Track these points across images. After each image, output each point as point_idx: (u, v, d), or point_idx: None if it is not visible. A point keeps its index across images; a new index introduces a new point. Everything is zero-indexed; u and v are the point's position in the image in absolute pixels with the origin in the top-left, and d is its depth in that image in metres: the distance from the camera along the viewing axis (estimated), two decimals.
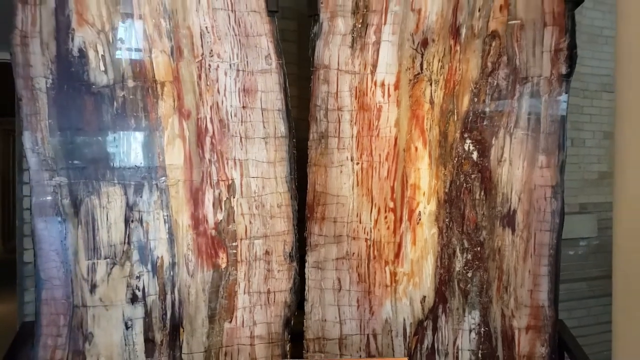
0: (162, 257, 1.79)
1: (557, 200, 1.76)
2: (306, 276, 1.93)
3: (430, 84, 1.87)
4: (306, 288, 1.93)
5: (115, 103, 1.74)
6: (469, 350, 1.85)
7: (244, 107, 1.89)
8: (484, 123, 1.81)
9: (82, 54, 1.71)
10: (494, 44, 1.80)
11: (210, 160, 1.85)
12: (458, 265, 1.85)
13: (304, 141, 1.96)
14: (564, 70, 1.74)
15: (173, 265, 1.81)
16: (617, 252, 1.73)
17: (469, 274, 1.84)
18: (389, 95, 1.90)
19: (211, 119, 1.85)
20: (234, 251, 1.87)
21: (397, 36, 1.89)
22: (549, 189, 1.76)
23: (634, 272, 1.64)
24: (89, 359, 1.70)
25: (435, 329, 1.87)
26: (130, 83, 1.76)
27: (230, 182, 1.88)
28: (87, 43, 1.71)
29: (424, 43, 1.87)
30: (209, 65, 1.85)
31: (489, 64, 1.81)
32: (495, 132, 1.80)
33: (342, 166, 1.92)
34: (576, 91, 2.75)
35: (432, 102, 1.87)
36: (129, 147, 1.77)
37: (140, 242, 1.77)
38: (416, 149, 1.88)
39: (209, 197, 1.85)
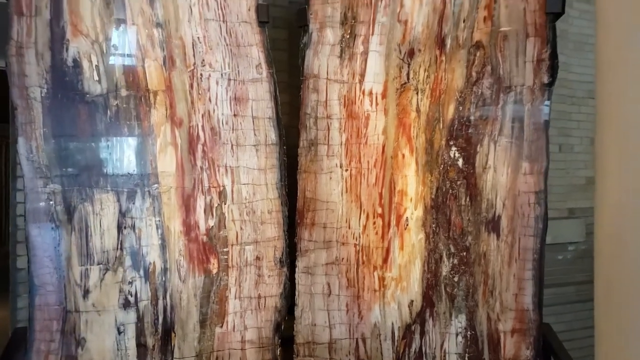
0: (154, 262, 1.85)
1: (540, 206, 1.83)
2: (296, 281, 2.00)
3: (417, 93, 1.94)
4: (296, 293, 2.00)
5: (108, 112, 1.81)
6: (455, 353, 1.91)
7: (235, 115, 1.96)
8: (469, 131, 1.89)
9: (77, 64, 1.77)
10: (478, 54, 1.88)
11: (201, 168, 1.92)
12: (445, 269, 1.92)
13: (295, 148, 2.03)
14: (546, 79, 1.81)
15: (165, 270, 1.87)
16: (598, 258, 1.81)
17: (456, 279, 1.91)
18: (376, 104, 1.97)
19: (203, 127, 1.92)
20: (225, 257, 1.94)
21: (384, 46, 1.97)
22: (533, 195, 1.83)
23: (615, 278, 1.71)
24: None
25: (422, 333, 1.94)
26: (124, 92, 1.82)
27: (221, 188, 1.94)
28: (81, 53, 1.78)
29: (411, 53, 1.95)
30: (201, 74, 1.92)
31: (474, 74, 1.88)
32: (480, 139, 1.88)
33: (331, 173, 1.99)
34: (563, 98, 2.83)
35: (418, 111, 1.94)
36: (122, 155, 1.83)
37: (132, 248, 1.83)
38: (403, 156, 1.95)
39: (200, 204, 1.91)
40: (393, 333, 1.96)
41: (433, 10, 1.93)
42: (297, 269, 2.00)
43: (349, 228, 1.99)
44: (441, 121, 1.92)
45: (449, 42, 1.92)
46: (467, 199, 1.90)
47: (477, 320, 1.90)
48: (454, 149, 1.90)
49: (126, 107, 1.83)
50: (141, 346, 1.83)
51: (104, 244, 1.79)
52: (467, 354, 1.91)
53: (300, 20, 2.01)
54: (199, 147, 1.92)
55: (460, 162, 1.90)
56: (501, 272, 1.87)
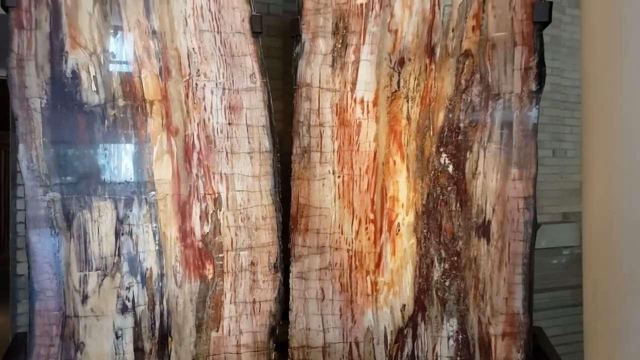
0: (151, 268, 1.92)
1: (529, 211, 1.89)
2: (290, 286, 2.07)
3: (407, 101, 2.01)
4: (290, 298, 2.07)
5: (106, 121, 1.88)
6: (447, 357, 1.97)
7: (229, 123, 2.04)
8: (459, 138, 1.96)
9: (75, 75, 1.85)
10: (467, 62, 1.95)
11: (197, 175, 1.99)
12: (436, 274, 1.98)
13: (289, 155, 2.10)
14: (533, 87, 1.88)
15: (162, 276, 1.94)
16: (587, 263, 1.86)
17: (447, 283, 1.97)
18: (368, 112, 2.05)
19: (198, 135, 2.00)
20: (221, 262, 2.01)
21: (375, 56, 2.04)
22: (522, 200, 1.90)
23: (603, 282, 1.77)
24: None
25: (415, 337, 2.00)
26: (121, 102, 1.90)
27: (216, 195, 2.01)
28: (80, 65, 1.86)
29: (401, 62, 2.02)
30: (196, 84, 2.00)
31: (463, 82, 1.95)
32: (469, 146, 1.95)
33: (324, 179, 2.06)
34: (557, 103, 2.90)
35: (409, 118, 2.01)
36: (119, 163, 1.91)
37: (130, 254, 1.90)
38: (394, 162, 2.02)
39: (196, 211, 1.99)
40: (386, 337, 2.02)
41: (422, 20, 2.00)
42: (291, 274, 2.07)
43: (342, 234, 2.06)
44: (431, 128, 1.98)
45: (438, 51, 1.99)
46: (458, 205, 1.96)
47: (468, 323, 1.96)
48: (444, 155, 1.97)
49: (123, 117, 1.90)
50: (139, 350, 1.90)
51: (102, 251, 1.87)
52: (458, 357, 1.97)
53: (293, 30, 2.08)
54: (195, 155, 1.99)
55: (450, 169, 1.97)
56: (491, 277, 1.93)
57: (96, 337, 1.85)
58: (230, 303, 2.02)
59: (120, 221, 1.89)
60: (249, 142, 2.05)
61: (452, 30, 1.97)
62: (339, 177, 2.06)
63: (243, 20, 2.05)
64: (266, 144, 2.06)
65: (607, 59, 1.73)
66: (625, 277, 1.66)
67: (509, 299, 1.91)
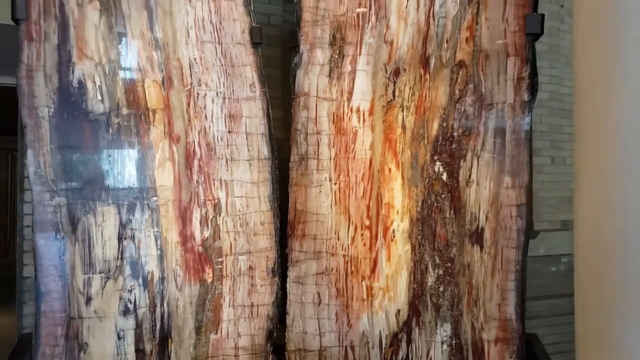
0: (152, 272, 2.02)
1: (522, 219, 1.96)
2: (288, 290, 2.15)
3: (402, 110, 2.10)
4: (288, 302, 2.15)
5: (110, 129, 1.99)
6: None
7: (229, 131, 2.13)
8: (453, 146, 2.04)
9: (81, 85, 1.96)
10: (461, 72, 2.04)
11: (197, 181, 2.09)
12: (430, 280, 2.05)
13: (287, 162, 2.20)
14: (526, 97, 1.95)
15: (162, 279, 2.03)
16: (578, 272, 1.92)
17: (441, 289, 2.05)
18: (364, 121, 2.14)
19: (199, 143, 2.10)
20: (220, 266, 2.10)
21: (371, 66, 2.14)
22: (515, 208, 1.97)
23: (593, 292, 1.82)
24: None
25: (409, 341, 2.07)
26: (125, 111, 2.01)
27: (216, 201, 2.11)
28: (86, 75, 1.96)
29: (396, 72, 2.11)
30: (198, 93, 2.10)
31: (457, 92, 2.03)
32: (463, 154, 2.02)
33: (321, 186, 2.15)
34: (555, 111, 2.96)
35: (404, 127, 2.10)
36: (122, 170, 2.01)
37: (132, 258, 1.99)
38: (390, 170, 2.11)
39: (196, 216, 2.08)
40: (381, 341, 2.10)
41: (417, 32, 2.09)
42: (288, 279, 2.15)
43: (338, 239, 2.14)
44: (426, 137, 2.07)
45: (432, 61, 2.07)
46: (452, 212, 2.04)
47: (461, 329, 2.03)
48: (438, 163, 2.05)
49: (127, 125, 2.01)
50: (140, 351, 1.99)
51: (106, 254, 1.96)
52: None
53: (291, 41, 2.18)
54: (195, 162, 2.09)
55: (444, 176, 2.05)
56: (485, 283, 2.00)
57: (99, 337, 1.94)
58: (229, 306, 2.11)
59: (123, 226, 1.99)
60: (248, 150, 2.15)
61: (446, 42, 2.06)
62: (335, 184, 2.15)
63: (243, 32, 2.15)
64: (265, 151, 2.16)
65: (599, 69, 1.79)
66: (615, 285, 1.71)
67: (501, 305, 1.98)
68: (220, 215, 2.11)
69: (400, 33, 2.12)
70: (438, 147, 2.06)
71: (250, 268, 2.13)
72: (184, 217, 2.07)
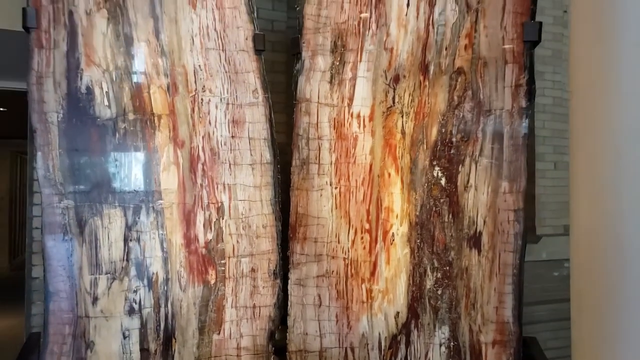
0: (157, 273, 2.10)
1: (519, 224, 2.02)
2: (289, 292, 2.23)
3: (402, 116, 2.17)
4: (289, 303, 2.23)
5: (117, 134, 2.08)
6: None
7: (233, 136, 2.21)
8: (451, 151, 2.10)
9: (89, 91, 2.05)
10: (459, 79, 2.10)
11: (201, 185, 2.17)
12: (429, 283, 2.12)
13: (289, 166, 2.27)
14: (523, 103, 2.01)
15: (167, 280, 2.11)
16: (574, 278, 1.97)
17: (439, 292, 2.11)
18: (364, 126, 2.21)
19: (203, 147, 2.18)
20: (223, 268, 2.18)
21: (371, 72, 2.21)
22: (512, 212, 2.02)
23: (588, 299, 1.86)
24: None
25: (408, 343, 2.14)
26: (131, 116, 2.09)
27: (219, 204, 2.19)
28: (94, 81, 2.05)
29: (396, 79, 2.18)
30: (202, 99, 2.18)
31: (455, 98, 2.10)
32: (461, 160, 2.09)
33: (322, 190, 2.22)
34: (558, 116, 3.01)
35: (403, 133, 2.17)
36: (128, 173, 2.09)
37: (137, 259, 2.08)
38: (389, 175, 2.18)
39: (200, 219, 2.16)
40: (380, 343, 2.16)
41: (417, 39, 2.16)
42: (289, 281, 2.23)
43: (339, 242, 2.21)
44: (425, 142, 2.13)
45: (432, 68, 2.14)
46: (450, 216, 2.10)
47: (459, 331, 2.09)
48: (437, 168, 2.11)
49: (133, 130, 2.09)
50: (144, 350, 2.07)
51: (112, 255, 2.05)
52: None
53: (293, 48, 2.26)
54: (199, 166, 2.17)
55: (443, 181, 2.11)
56: (482, 286, 2.06)
57: (105, 336, 2.03)
58: (232, 307, 2.18)
59: (128, 228, 2.07)
60: (251, 154, 2.23)
61: (446, 49, 2.12)
62: (336, 188, 2.22)
63: (247, 39, 2.23)
64: (267, 156, 2.23)
65: (594, 75, 1.83)
66: (610, 291, 1.75)
67: (499, 308, 2.04)
68: (223, 218, 2.19)
69: (400, 40, 2.19)
70: (437, 152, 2.12)
71: (253, 270, 2.21)
72: (188, 220, 2.15)
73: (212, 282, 2.17)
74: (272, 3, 2.79)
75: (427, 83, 2.15)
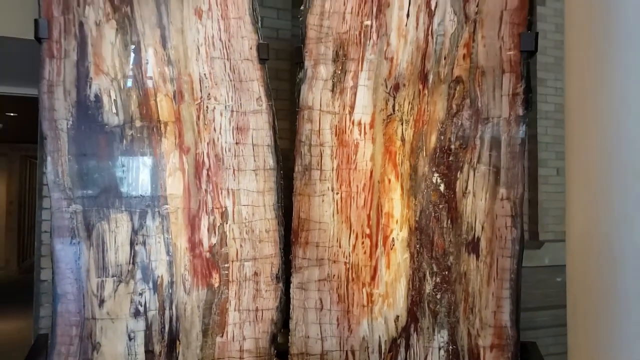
0: (162, 276, 2.15)
1: (516, 229, 2.05)
2: (291, 296, 2.27)
3: (402, 124, 2.22)
4: (291, 307, 2.27)
5: (124, 140, 2.13)
6: None
7: (237, 143, 2.27)
8: (450, 158, 2.14)
9: (98, 99, 2.11)
10: (458, 88, 2.14)
11: (206, 190, 2.22)
12: (428, 287, 2.15)
13: (292, 171, 2.32)
14: (520, 112, 2.05)
15: (172, 283, 2.16)
16: (570, 285, 1.99)
17: (438, 296, 2.14)
18: (365, 133, 2.25)
19: (208, 154, 2.23)
20: (226, 272, 2.22)
21: (372, 81, 2.26)
22: (509, 218, 2.06)
23: (584, 305, 1.89)
24: None
25: (407, 347, 2.17)
26: (138, 123, 2.15)
27: (223, 209, 2.24)
28: (102, 89, 2.11)
29: (396, 87, 2.23)
30: (207, 107, 2.24)
31: (454, 106, 2.14)
32: (460, 166, 2.13)
33: (323, 196, 2.27)
34: (560, 122, 3.04)
35: (403, 140, 2.21)
36: (135, 179, 2.15)
37: (143, 263, 2.13)
38: (389, 181, 2.22)
39: (204, 223, 2.21)
40: (380, 346, 2.20)
41: (417, 49, 2.21)
42: (292, 285, 2.27)
43: (340, 247, 2.25)
44: (424, 149, 2.18)
45: (431, 77, 2.19)
46: (449, 222, 2.14)
47: (458, 335, 2.12)
48: (436, 175, 2.15)
49: (140, 137, 2.15)
50: (149, 352, 2.12)
51: (118, 259, 2.10)
52: None
53: (296, 57, 2.31)
54: (204, 172, 2.22)
55: (442, 187, 2.15)
56: (480, 291, 2.09)
57: (111, 338, 2.08)
58: (235, 310, 2.22)
59: (135, 232, 2.12)
60: (254, 160, 2.28)
61: (444, 58, 2.17)
62: (337, 193, 2.26)
63: (251, 48, 2.29)
64: (270, 162, 2.28)
65: (588, 83, 1.85)
66: (604, 297, 1.77)
67: (497, 312, 2.06)
68: (227, 223, 2.23)
69: (400, 50, 2.23)
70: (436, 159, 2.16)
71: (256, 274, 2.25)
72: (192, 224, 2.20)
73: (216, 285, 2.21)
74: (277, 12, 2.86)
75: (426, 91, 2.19)
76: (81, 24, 2.08)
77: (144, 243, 2.13)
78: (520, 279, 2.06)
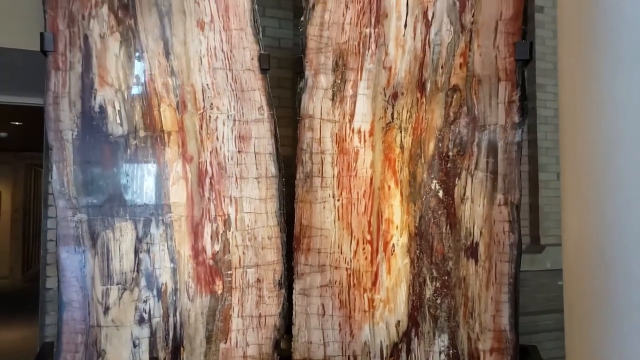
0: (166, 283, 2.15)
1: (514, 234, 2.05)
2: (294, 302, 2.27)
3: (400, 131, 2.23)
4: (294, 313, 2.26)
5: (128, 150, 2.14)
6: None
7: (239, 151, 2.27)
8: (448, 165, 2.15)
9: (102, 109, 2.12)
10: (455, 96, 2.16)
11: (209, 198, 2.23)
12: (428, 292, 2.15)
13: (294, 179, 2.32)
14: (516, 119, 2.06)
15: (175, 291, 2.16)
16: (567, 290, 1.99)
17: (438, 301, 2.14)
18: (364, 141, 2.27)
19: (211, 162, 2.24)
20: (229, 279, 2.22)
21: (371, 90, 2.27)
22: (507, 224, 2.06)
23: (580, 309, 1.89)
24: None
25: (408, 351, 2.17)
26: (142, 133, 2.16)
27: (226, 217, 2.24)
28: (107, 100, 2.13)
29: (395, 96, 2.25)
30: (210, 116, 2.25)
31: (451, 114, 2.16)
32: (458, 173, 2.14)
33: (325, 202, 2.27)
34: None
35: (402, 147, 2.22)
36: (139, 188, 2.16)
37: (147, 270, 2.13)
38: (389, 187, 2.23)
39: (207, 231, 2.21)
40: (382, 351, 2.20)
41: (414, 58, 2.23)
42: (294, 291, 2.27)
43: (341, 253, 2.26)
44: (423, 156, 2.19)
45: (428, 86, 2.20)
46: (448, 227, 2.15)
47: (458, 339, 2.12)
48: (434, 181, 2.16)
49: (144, 146, 2.16)
50: (154, 359, 2.11)
51: (123, 267, 2.10)
52: None
53: (297, 67, 2.33)
54: (207, 180, 2.23)
55: (440, 194, 2.16)
56: (480, 295, 2.09)
57: (116, 345, 2.07)
58: (238, 317, 2.22)
59: (139, 240, 2.13)
60: (256, 168, 2.28)
61: (442, 67, 2.19)
62: (338, 200, 2.27)
63: (252, 59, 2.30)
64: (272, 169, 2.29)
65: (580, 90, 1.85)
66: (599, 301, 1.77)
67: (496, 316, 2.07)
68: (230, 230, 2.24)
69: (398, 59, 2.25)
70: (434, 166, 2.17)
71: (258, 280, 2.25)
72: (196, 232, 2.20)
73: (219, 292, 2.21)
74: (279, 22, 2.87)
75: (424, 100, 2.21)
76: (86, 37, 2.10)
77: (148, 251, 2.13)
78: (519, 283, 2.07)
